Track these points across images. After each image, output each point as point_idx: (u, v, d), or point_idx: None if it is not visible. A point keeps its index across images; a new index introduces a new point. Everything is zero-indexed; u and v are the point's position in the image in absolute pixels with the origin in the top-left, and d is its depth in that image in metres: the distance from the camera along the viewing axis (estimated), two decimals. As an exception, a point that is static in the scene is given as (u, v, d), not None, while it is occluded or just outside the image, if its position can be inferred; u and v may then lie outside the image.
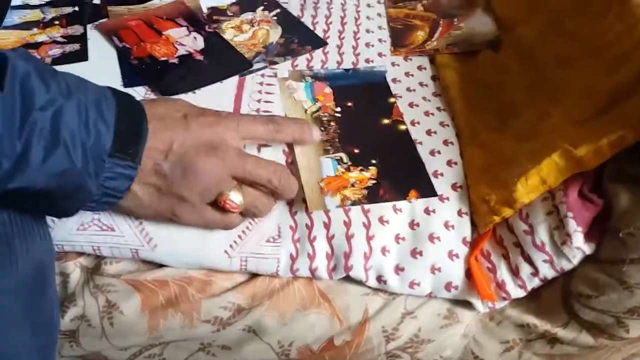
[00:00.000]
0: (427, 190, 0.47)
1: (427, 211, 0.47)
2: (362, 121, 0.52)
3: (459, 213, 0.47)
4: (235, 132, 0.42)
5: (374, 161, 0.48)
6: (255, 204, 0.43)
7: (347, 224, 0.45)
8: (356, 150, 0.49)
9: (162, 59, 0.55)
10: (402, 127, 0.52)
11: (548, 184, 0.43)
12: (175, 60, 0.55)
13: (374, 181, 0.47)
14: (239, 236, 0.45)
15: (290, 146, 0.49)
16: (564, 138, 0.44)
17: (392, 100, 0.55)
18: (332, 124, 0.51)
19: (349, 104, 0.54)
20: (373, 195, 0.46)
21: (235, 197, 0.42)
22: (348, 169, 0.48)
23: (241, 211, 0.43)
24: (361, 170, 0.48)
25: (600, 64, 0.46)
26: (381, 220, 0.46)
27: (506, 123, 0.51)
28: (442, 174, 0.49)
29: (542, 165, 0.43)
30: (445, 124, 0.54)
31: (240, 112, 0.51)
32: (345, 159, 0.48)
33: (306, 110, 0.52)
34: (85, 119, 0.35)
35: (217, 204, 0.42)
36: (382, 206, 0.46)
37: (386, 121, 0.53)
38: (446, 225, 0.46)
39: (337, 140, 0.50)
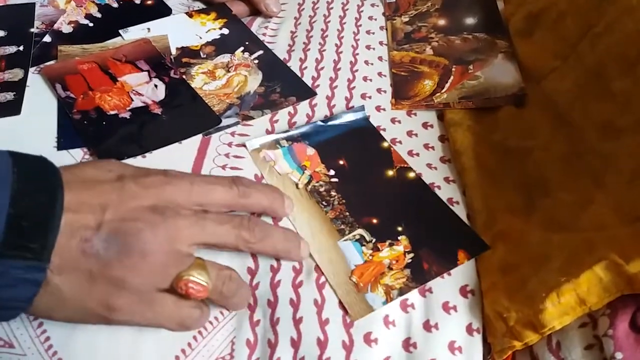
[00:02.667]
0: (477, 246, 0.39)
1: (427, 326, 0.36)
2: (364, 180, 0.43)
3: (469, 330, 0.36)
4: (187, 194, 0.33)
5: (400, 228, 0.40)
6: (225, 283, 0.33)
7: (323, 344, 0.35)
8: (374, 221, 0.40)
9: (111, 112, 0.45)
10: (411, 174, 0.44)
11: (588, 306, 0.32)
12: (127, 115, 0.45)
13: (411, 254, 0.38)
14: (183, 350, 0.35)
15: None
16: (610, 242, 0.33)
17: (386, 145, 0.46)
18: (333, 193, 0.42)
19: (341, 162, 0.44)
20: (418, 273, 0.38)
21: (200, 276, 0.32)
22: (376, 248, 0.39)
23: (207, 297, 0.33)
24: (391, 244, 0.39)
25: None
26: (367, 338, 0.35)
27: (533, 204, 0.41)
28: (449, 273, 0.38)
29: (580, 279, 0.32)
30: (455, 201, 0.43)
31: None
32: (367, 236, 0.39)
33: (297, 185, 0.42)
34: None
35: (175, 291, 0.32)
36: (369, 319, 0.35)
37: (390, 172, 0.44)
38: (452, 348, 0.35)
39: (347, 214, 0.41)
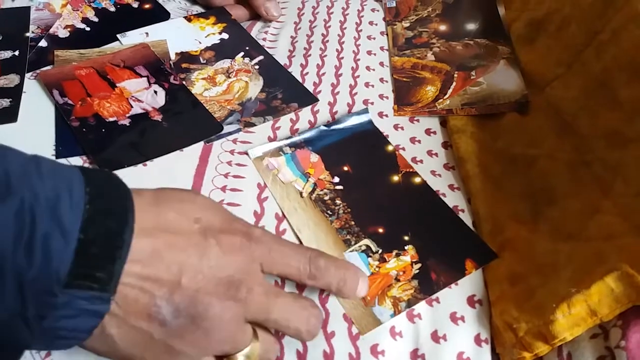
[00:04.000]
0: (485, 255, 0.38)
1: (435, 337, 0.35)
2: (370, 187, 0.43)
3: (477, 341, 0.35)
4: (263, 263, 0.31)
5: (406, 237, 0.39)
6: (268, 357, 0.32)
7: (329, 356, 0.34)
8: (380, 230, 0.40)
9: (111, 119, 0.44)
10: (417, 179, 0.43)
11: (599, 317, 0.32)
12: (127, 122, 0.44)
13: (418, 265, 0.38)
14: None
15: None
16: (621, 252, 0.32)
17: (391, 148, 0.45)
18: (338, 202, 0.41)
19: (345, 168, 0.44)
20: (426, 284, 0.37)
21: (248, 351, 0.31)
22: (383, 259, 0.38)
23: None
24: (397, 254, 0.38)
25: (666, 149, 0.35)
26: (374, 350, 0.35)
27: (540, 213, 0.40)
28: (456, 283, 0.37)
29: (591, 290, 0.32)
30: (460, 209, 0.43)
31: (202, 192, 0.40)
32: (373, 246, 0.39)
33: (301, 194, 0.42)
34: (29, 233, 0.23)
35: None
36: (376, 330, 0.35)
37: (396, 178, 0.43)
38: (460, 359, 0.35)
39: (352, 223, 0.40)
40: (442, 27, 0.57)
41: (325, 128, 0.46)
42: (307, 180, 0.43)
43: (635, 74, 0.39)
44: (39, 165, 0.25)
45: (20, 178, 0.24)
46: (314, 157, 0.45)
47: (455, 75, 0.52)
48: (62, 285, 0.24)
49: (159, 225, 0.28)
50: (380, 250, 0.39)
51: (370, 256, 0.39)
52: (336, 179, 0.43)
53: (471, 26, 0.57)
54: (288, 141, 0.45)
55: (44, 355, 0.33)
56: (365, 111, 0.48)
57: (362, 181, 0.43)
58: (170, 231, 0.28)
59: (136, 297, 0.27)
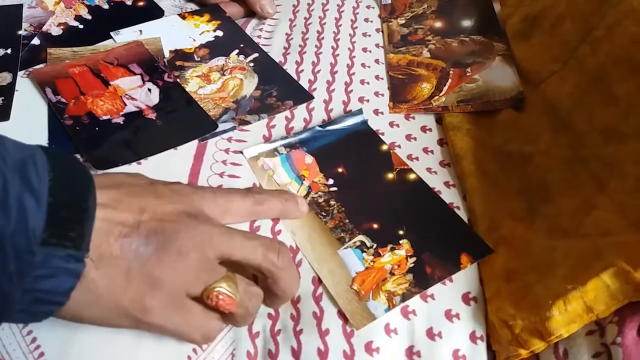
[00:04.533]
0: (480, 250, 0.38)
1: (430, 335, 0.35)
2: (364, 186, 0.43)
3: (473, 338, 0.35)
4: (213, 203, 0.35)
5: (401, 232, 0.39)
6: (251, 299, 0.33)
7: (323, 354, 0.34)
8: (375, 226, 0.40)
9: (104, 117, 0.44)
10: (412, 176, 0.43)
11: (595, 313, 0.32)
12: (120, 120, 0.44)
13: (413, 259, 0.38)
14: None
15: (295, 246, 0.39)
16: (617, 249, 0.32)
17: (385, 147, 0.45)
18: (332, 202, 0.41)
19: (340, 169, 0.43)
20: (421, 278, 0.37)
21: (230, 289, 0.31)
22: (377, 254, 0.38)
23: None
24: (392, 249, 0.38)
25: (661, 145, 0.35)
26: (369, 347, 0.34)
27: (535, 210, 0.40)
28: (451, 279, 0.37)
29: (587, 286, 0.32)
30: (455, 206, 0.42)
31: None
32: (367, 241, 0.39)
33: None
34: (3, 193, 0.25)
35: (202, 302, 0.31)
36: (370, 327, 0.35)
37: (390, 175, 0.43)
38: (456, 356, 0.34)
39: (346, 221, 0.40)
40: (438, 24, 0.57)
41: (320, 129, 0.46)
42: (302, 183, 0.43)
43: (630, 69, 0.38)
44: (3, 140, 0.27)
45: None
46: (309, 159, 0.44)
47: (451, 72, 0.52)
48: (39, 242, 0.26)
49: (114, 183, 0.32)
50: (374, 245, 0.39)
51: (365, 251, 0.38)
52: (330, 181, 0.43)
53: (467, 23, 0.57)
54: (283, 142, 0.45)
55: (37, 356, 0.32)
56: (360, 112, 0.47)
57: (357, 181, 0.43)
58: (125, 185, 0.32)
59: (106, 235, 0.29)
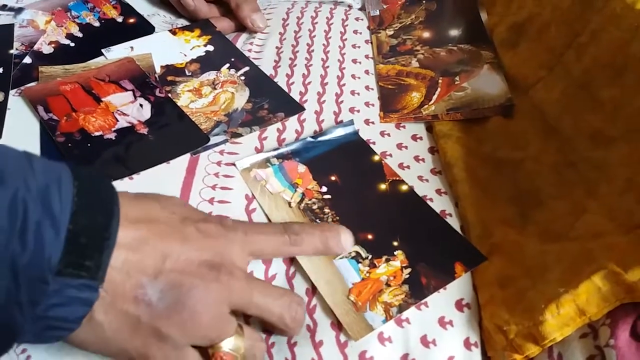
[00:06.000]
0: (474, 258, 0.38)
1: (425, 342, 0.35)
2: (357, 195, 0.43)
3: (467, 344, 0.35)
4: (241, 247, 0.33)
5: (395, 243, 0.39)
6: (253, 353, 0.32)
7: (318, 365, 0.34)
8: (370, 236, 0.40)
9: (96, 133, 0.44)
10: (404, 187, 0.43)
11: (588, 316, 0.32)
12: (112, 136, 0.44)
13: (408, 270, 0.38)
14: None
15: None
16: (608, 251, 0.33)
17: (377, 158, 0.46)
18: (327, 210, 0.41)
19: (333, 177, 0.44)
20: (417, 288, 0.37)
21: (234, 350, 0.31)
22: (373, 265, 0.38)
23: None
24: (387, 260, 0.38)
25: (648, 147, 0.36)
26: (363, 357, 0.34)
27: (527, 215, 0.40)
28: (445, 287, 0.37)
29: (579, 289, 0.32)
30: (448, 213, 0.43)
31: (190, 203, 0.40)
32: (362, 252, 0.39)
33: (290, 204, 0.42)
34: (22, 221, 0.25)
35: (205, 351, 0.31)
36: (365, 337, 0.35)
37: (383, 186, 0.43)
38: (451, 363, 0.35)
39: None
40: (426, 34, 0.58)
41: (311, 139, 0.46)
42: (295, 191, 0.43)
43: (615, 74, 0.39)
44: (30, 160, 0.27)
45: (14, 171, 0.25)
46: (302, 168, 0.45)
47: (440, 81, 0.52)
48: (54, 272, 0.26)
49: (142, 215, 0.30)
50: (370, 256, 0.39)
51: (360, 262, 0.38)
52: (324, 189, 0.43)
53: (454, 32, 0.58)
54: (275, 152, 0.45)
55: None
56: (351, 122, 0.48)
57: (350, 190, 0.43)
58: (153, 221, 0.30)
59: (122, 281, 0.28)
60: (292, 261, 0.38)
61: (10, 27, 0.55)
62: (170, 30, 0.57)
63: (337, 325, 0.35)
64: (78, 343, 0.29)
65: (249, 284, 0.32)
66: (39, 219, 0.25)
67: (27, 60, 0.51)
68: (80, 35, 0.56)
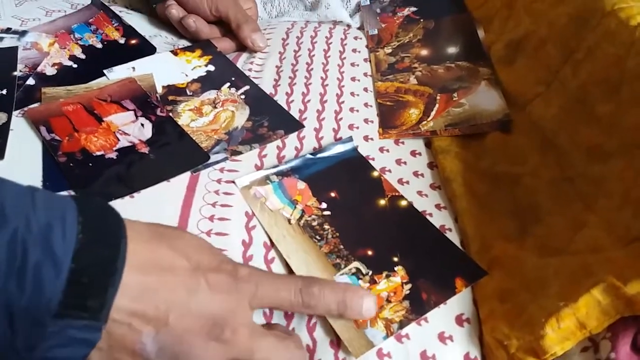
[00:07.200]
0: (474, 273, 0.38)
1: (425, 357, 0.35)
2: (357, 211, 0.43)
3: (467, 359, 0.35)
4: (250, 302, 0.31)
5: (396, 259, 0.39)
6: None
7: (318, 382, 0.34)
8: (370, 252, 0.40)
9: (98, 153, 0.45)
10: (403, 202, 0.44)
11: (588, 329, 0.32)
12: (114, 155, 0.45)
13: (409, 285, 0.38)
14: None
15: (290, 271, 0.39)
16: (607, 265, 0.33)
17: (376, 174, 0.46)
18: (326, 226, 0.41)
19: (332, 194, 0.44)
20: (417, 304, 0.37)
21: None
22: (373, 281, 0.38)
23: None
24: (387, 276, 0.38)
25: (644, 161, 0.36)
26: (364, 373, 0.34)
27: (526, 230, 0.41)
28: (445, 302, 0.37)
29: (579, 303, 0.32)
30: (447, 228, 0.43)
31: (188, 230, 0.40)
32: (363, 268, 0.39)
33: (290, 220, 0.42)
34: (21, 263, 0.24)
35: None
36: (365, 357, 0.35)
37: (382, 202, 0.43)
38: (452, 379, 0.34)
39: (341, 247, 0.40)
40: (424, 52, 0.59)
41: (310, 157, 0.47)
42: (295, 207, 0.43)
43: (610, 89, 0.39)
44: (33, 196, 0.26)
45: (14, 208, 0.25)
46: (301, 185, 0.45)
47: (438, 98, 0.53)
48: (53, 315, 0.24)
49: (150, 260, 0.28)
50: (370, 272, 0.39)
51: (361, 278, 0.38)
52: (324, 205, 0.43)
53: (452, 50, 0.58)
54: (275, 170, 0.45)
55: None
56: (350, 139, 0.48)
57: (350, 206, 0.43)
58: (161, 268, 0.29)
59: (123, 332, 0.27)
60: (292, 278, 0.38)
61: (14, 50, 0.56)
62: (171, 51, 0.58)
63: (337, 343, 0.35)
64: None
65: (251, 341, 0.31)
66: (39, 260, 0.24)
67: (31, 81, 0.52)
68: (83, 56, 0.57)
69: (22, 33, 0.58)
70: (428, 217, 0.43)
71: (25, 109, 0.49)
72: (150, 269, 0.28)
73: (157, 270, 0.28)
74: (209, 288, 0.30)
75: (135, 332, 0.27)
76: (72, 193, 0.42)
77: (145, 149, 0.46)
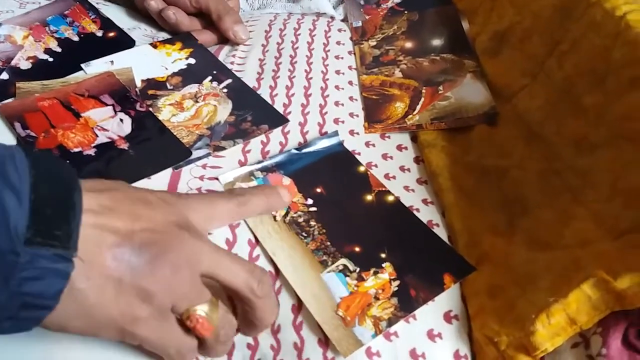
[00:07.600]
0: (462, 269, 0.38)
1: (414, 355, 0.35)
2: (344, 207, 0.42)
3: (457, 357, 0.35)
4: (198, 211, 0.34)
5: (383, 255, 0.39)
6: (225, 324, 0.32)
7: (307, 382, 0.33)
8: (357, 249, 0.39)
9: (75, 149, 0.43)
10: (390, 197, 0.43)
11: (579, 325, 0.31)
12: (92, 152, 0.43)
13: (397, 282, 0.37)
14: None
15: (275, 268, 0.38)
16: (597, 259, 0.32)
17: (362, 169, 0.45)
18: (312, 223, 0.41)
19: (318, 190, 0.43)
20: (406, 301, 0.37)
21: (212, 314, 0.30)
22: (361, 278, 0.37)
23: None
24: (375, 272, 0.38)
25: (632, 153, 0.36)
26: (353, 372, 0.34)
27: (514, 224, 0.40)
28: (433, 299, 0.37)
29: (569, 298, 0.32)
30: (435, 223, 0.42)
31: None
32: (350, 265, 0.38)
33: (275, 217, 0.41)
34: None
35: (182, 321, 0.31)
36: (354, 356, 0.34)
37: (369, 197, 0.43)
38: (441, 377, 0.34)
39: (328, 244, 0.39)
40: (408, 45, 0.58)
41: (295, 152, 0.46)
42: None
43: (596, 80, 0.39)
44: None
45: None
46: (286, 181, 0.44)
47: (423, 91, 0.52)
48: (23, 242, 0.25)
49: (103, 187, 0.30)
50: (357, 269, 0.38)
51: (348, 275, 0.38)
52: (310, 201, 0.43)
53: (437, 42, 0.58)
54: (259, 165, 0.44)
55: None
56: (335, 134, 0.47)
57: (336, 202, 0.43)
58: (115, 190, 0.31)
59: (97, 244, 0.28)
60: (277, 275, 0.38)
61: (-14, 43, 0.54)
62: (151, 44, 0.57)
63: (325, 342, 0.35)
64: (58, 324, 0.28)
65: (216, 248, 0.32)
66: None
67: (4, 76, 0.50)
68: (59, 50, 0.55)
69: (-5, 26, 0.56)
70: (415, 212, 0.42)
71: (-1, 104, 0.47)
72: (105, 192, 0.30)
73: (112, 191, 0.30)
74: (162, 201, 0.32)
75: (110, 241, 0.28)
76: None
77: (124, 145, 0.44)
